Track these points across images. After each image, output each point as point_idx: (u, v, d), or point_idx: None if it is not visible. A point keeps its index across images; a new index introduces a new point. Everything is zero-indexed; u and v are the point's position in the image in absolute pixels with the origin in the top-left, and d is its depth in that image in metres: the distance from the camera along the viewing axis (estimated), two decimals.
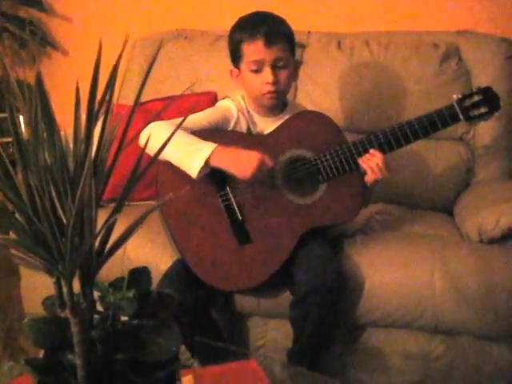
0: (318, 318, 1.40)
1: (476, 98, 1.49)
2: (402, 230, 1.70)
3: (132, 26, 2.27)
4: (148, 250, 1.60)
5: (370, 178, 1.47)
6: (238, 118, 1.57)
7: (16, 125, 0.60)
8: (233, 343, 1.56)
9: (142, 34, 2.22)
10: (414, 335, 1.52)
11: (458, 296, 1.45)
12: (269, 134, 1.53)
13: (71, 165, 0.60)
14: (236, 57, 1.53)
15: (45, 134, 0.60)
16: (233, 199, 1.48)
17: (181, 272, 1.47)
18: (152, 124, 1.41)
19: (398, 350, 1.54)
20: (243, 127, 1.57)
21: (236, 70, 1.55)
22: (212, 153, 1.40)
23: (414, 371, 1.53)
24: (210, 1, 2.35)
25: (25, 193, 0.59)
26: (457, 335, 1.50)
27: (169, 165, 1.46)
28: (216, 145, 1.42)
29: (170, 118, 1.53)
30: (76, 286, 0.63)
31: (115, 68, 0.61)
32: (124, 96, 2.12)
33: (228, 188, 1.49)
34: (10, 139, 0.61)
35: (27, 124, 0.59)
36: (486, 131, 1.88)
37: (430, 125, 1.48)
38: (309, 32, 2.07)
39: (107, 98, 0.61)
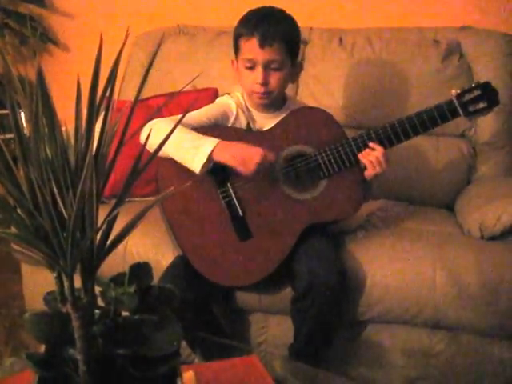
0: (318, 314, 1.40)
1: (475, 93, 1.49)
2: (403, 226, 1.70)
3: (133, 21, 2.27)
4: (149, 246, 1.61)
5: (369, 172, 1.47)
6: (238, 115, 1.57)
7: (17, 120, 0.60)
8: (234, 339, 1.56)
9: (142, 30, 2.22)
10: (414, 331, 1.52)
11: (459, 292, 1.45)
12: (269, 130, 1.53)
13: (72, 160, 0.60)
14: (235, 50, 1.53)
15: (46, 129, 0.60)
16: (233, 195, 1.48)
17: (182, 268, 1.47)
18: (152, 121, 1.41)
19: (399, 346, 1.54)
20: (243, 123, 1.57)
21: (236, 62, 1.55)
22: (214, 148, 1.40)
23: (414, 367, 1.54)
24: None
25: (26, 187, 0.59)
26: (457, 332, 1.50)
27: (169, 162, 1.46)
28: (218, 140, 1.42)
29: (171, 115, 1.53)
30: (77, 281, 0.64)
31: (116, 63, 0.61)
32: (125, 92, 2.12)
33: (229, 184, 1.49)
34: (11, 135, 0.61)
35: (28, 119, 0.59)
36: (487, 127, 1.88)
37: (430, 120, 1.48)
38: (311, 28, 2.06)
39: (108, 93, 0.61)
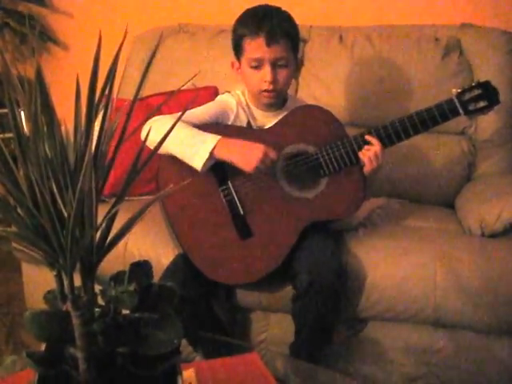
0: (319, 312, 1.40)
1: (475, 92, 1.49)
2: (404, 223, 1.70)
3: (133, 20, 2.26)
4: (150, 245, 1.61)
5: (367, 168, 1.47)
6: (238, 113, 1.57)
7: (16, 119, 0.60)
8: (234, 337, 1.57)
9: (143, 29, 2.22)
10: (415, 329, 1.52)
11: (460, 290, 1.45)
12: (270, 129, 1.53)
13: (71, 158, 0.60)
14: (237, 50, 1.53)
15: (45, 128, 0.60)
16: (234, 193, 1.48)
17: (182, 266, 1.47)
18: (153, 118, 1.41)
19: (400, 344, 1.54)
20: (243, 121, 1.57)
21: (237, 62, 1.55)
22: (216, 144, 1.40)
23: (414, 365, 1.54)
24: None
25: (25, 186, 0.59)
26: (458, 329, 1.50)
27: (169, 160, 1.46)
28: (220, 137, 1.42)
29: (171, 113, 1.53)
30: (77, 279, 0.64)
31: (115, 61, 0.61)
32: (125, 91, 2.12)
33: (229, 182, 1.49)
34: (11, 135, 0.61)
35: (27, 117, 0.59)
36: (487, 125, 1.88)
37: (430, 119, 1.48)
38: (310, 26, 2.06)
39: (107, 89, 0.61)
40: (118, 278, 0.72)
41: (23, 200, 0.59)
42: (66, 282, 0.63)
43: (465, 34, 1.94)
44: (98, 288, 0.68)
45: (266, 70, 1.47)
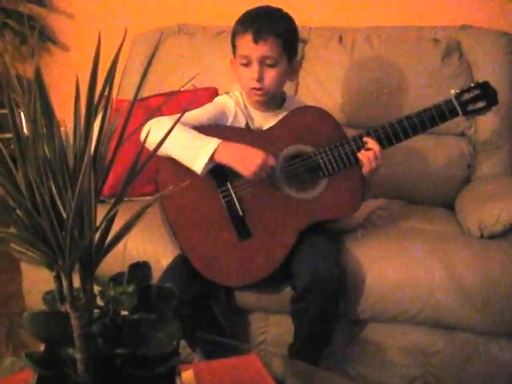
0: (318, 313, 1.40)
1: (474, 93, 1.50)
2: (403, 225, 1.70)
3: (133, 21, 2.27)
4: (149, 246, 1.61)
5: (366, 168, 1.48)
6: (236, 114, 1.57)
7: (15, 120, 0.60)
8: (233, 339, 1.56)
9: (142, 30, 2.22)
10: (414, 330, 1.52)
11: (458, 291, 1.45)
12: (268, 130, 1.53)
13: (71, 159, 0.60)
14: (233, 48, 1.54)
15: (44, 129, 0.60)
16: (233, 195, 1.48)
17: (181, 267, 1.47)
18: (153, 120, 1.41)
19: (398, 345, 1.54)
20: (241, 122, 1.57)
21: (234, 60, 1.55)
22: (217, 148, 1.41)
23: (413, 366, 1.54)
24: None
25: (24, 187, 0.59)
26: (457, 330, 1.50)
27: (168, 162, 1.46)
28: (220, 140, 1.42)
29: (171, 113, 1.53)
30: (76, 280, 0.64)
31: (114, 61, 0.61)
32: (125, 91, 2.13)
33: (228, 184, 1.49)
34: (10, 135, 0.61)
35: (27, 118, 0.59)
36: (487, 126, 1.88)
37: (429, 119, 1.49)
38: (310, 27, 2.06)
39: (106, 90, 0.61)
40: (117, 278, 0.72)
41: (22, 201, 0.59)
42: (64, 283, 0.63)
43: (464, 35, 1.94)
44: (96, 289, 0.68)
45: (253, 67, 1.47)
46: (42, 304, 0.71)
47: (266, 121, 1.56)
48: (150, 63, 0.67)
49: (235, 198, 1.48)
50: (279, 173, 1.50)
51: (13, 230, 0.60)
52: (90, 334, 0.65)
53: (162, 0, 2.41)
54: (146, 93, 2.03)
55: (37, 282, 1.79)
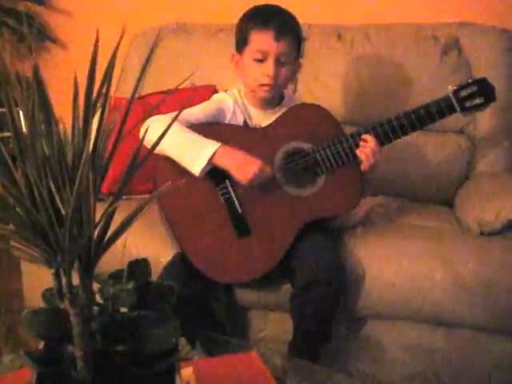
0: (317, 310, 1.40)
1: (471, 89, 1.50)
2: (402, 222, 1.70)
3: (131, 19, 2.26)
4: (148, 244, 1.61)
5: (365, 165, 1.48)
6: (235, 111, 1.57)
7: (14, 117, 0.60)
8: (233, 336, 1.57)
9: (140, 28, 2.22)
10: (414, 327, 1.53)
11: (458, 288, 1.45)
12: (267, 127, 1.53)
13: (69, 156, 0.60)
14: (242, 43, 1.52)
15: (43, 126, 0.60)
16: (232, 192, 1.49)
17: (181, 265, 1.47)
18: (152, 118, 1.41)
19: (399, 342, 1.54)
20: (239, 120, 1.57)
21: (238, 55, 1.55)
22: (215, 152, 1.41)
23: (414, 363, 1.54)
24: None
25: (23, 184, 0.59)
26: (457, 328, 1.50)
27: (166, 160, 1.46)
28: (219, 144, 1.42)
29: (169, 111, 1.53)
30: (76, 277, 0.64)
31: (112, 58, 0.61)
32: (123, 90, 2.12)
33: (227, 181, 1.49)
34: (9, 134, 0.61)
35: (25, 116, 0.59)
36: (486, 123, 1.88)
37: (427, 116, 1.49)
38: (309, 25, 2.06)
39: (105, 87, 0.61)
40: (116, 276, 0.72)
41: (21, 198, 0.59)
42: (64, 280, 0.63)
43: (463, 32, 1.94)
44: (96, 286, 0.68)
45: (269, 64, 1.47)
46: (42, 302, 0.71)
47: (264, 118, 1.56)
48: (148, 61, 0.68)
49: (234, 196, 1.48)
50: (278, 170, 1.50)
51: (12, 227, 0.60)
52: (89, 331, 0.65)
53: None
54: (144, 91, 2.03)
55: (36, 279, 1.78)
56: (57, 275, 0.64)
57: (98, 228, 0.63)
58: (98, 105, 0.63)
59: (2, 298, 2.10)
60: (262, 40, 1.47)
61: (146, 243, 1.61)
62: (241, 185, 1.49)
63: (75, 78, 0.62)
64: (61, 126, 0.62)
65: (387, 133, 1.49)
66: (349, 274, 1.49)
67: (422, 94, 1.86)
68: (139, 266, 0.74)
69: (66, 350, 0.67)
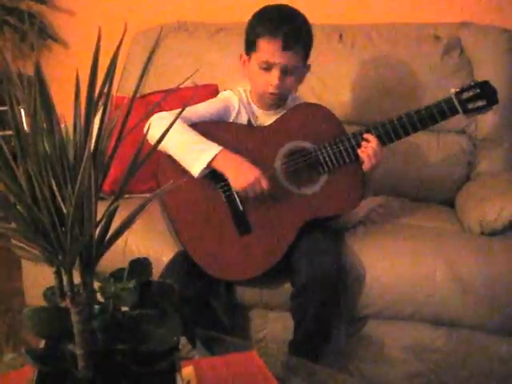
0: (318, 309, 1.40)
1: (474, 92, 1.50)
2: (403, 222, 1.70)
3: (132, 18, 2.26)
4: (149, 243, 1.61)
5: (366, 165, 1.48)
6: (239, 110, 1.57)
7: (16, 115, 0.60)
8: (233, 335, 1.56)
9: (142, 27, 2.22)
10: (415, 327, 1.52)
11: (459, 288, 1.45)
12: (269, 126, 1.54)
13: (71, 154, 0.60)
14: (250, 46, 1.52)
15: (44, 124, 0.60)
16: (234, 190, 1.48)
17: (182, 263, 1.47)
18: (157, 114, 1.42)
19: (399, 342, 1.54)
20: (244, 119, 1.57)
21: (246, 56, 1.54)
22: (215, 156, 1.41)
23: (414, 363, 1.54)
24: None
25: (25, 182, 0.59)
26: (458, 327, 1.50)
27: (169, 158, 1.47)
28: (220, 148, 1.42)
29: (171, 110, 1.53)
30: (77, 276, 0.64)
31: (114, 56, 0.61)
32: (125, 89, 2.13)
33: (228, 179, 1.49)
34: (11, 132, 0.61)
35: (27, 114, 0.59)
36: (487, 124, 1.88)
37: (429, 117, 1.49)
38: (310, 24, 2.05)
39: (107, 84, 0.61)
40: (117, 274, 0.72)
41: (22, 196, 0.59)
42: (65, 279, 0.63)
43: (465, 32, 1.93)
44: (97, 285, 0.68)
45: (274, 74, 1.47)
46: (43, 301, 0.71)
47: (268, 119, 1.57)
48: (149, 60, 0.67)
49: (235, 194, 1.48)
50: (279, 168, 1.50)
51: (13, 225, 0.60)
52: (90, 329, 0.65)
53: None
54: (145, 90, 2.03)
55: (37, 278, 1.79)
56: (58, 274, 0.64)
57: (100, 226, 0.63)
58: (100, 103, 0.62)
59: (3, 297, 2.10)
60: (270, 50, 1.46)
61: (147, 242, 1.61)
62: None
63: (77, 76, 0.62)
64: (62, 125, 0.62)
65: (389, 133, 1.49)
66: (349, 273, 1.49)
67: (423, 94, 1.86)
68: (140, 265, 0.74)
69: (67, 349, 0.67)
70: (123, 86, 2.16)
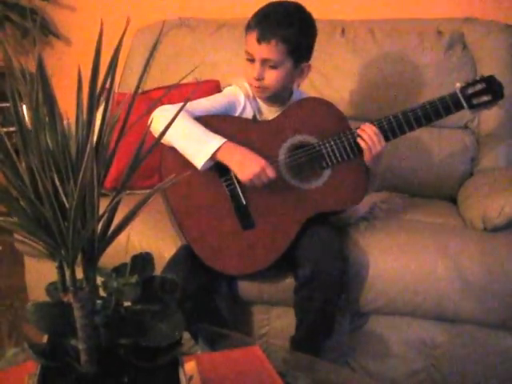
0: (320, 304, 1.40)
1: (479, 87, 1.49)
2: (406, 218, 1.70)
3: (134, 14, 2.25)
4: (152, 238, 1.61)
5: (367, 154, 1.47)
6: (245, 105, 1.56)
7: (18, 110, 0.60)
8: (236, 331, 1.57)
9: (144, 23, 2.21)
10: (416, 323, 1.53)
11: (461, 284, 1.45)
12: (273, 120, 1.53)
13: (73, 149, 0.60)
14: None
15: (47, 119, 0.60)
16: (237, 184, 1.48)
17: (184, 259, 1.47)
18: (161, 107, 1.41)
19: (401, 338, 1.54)
20: (249, 114, 1.56)
21: None
22: (219, 148, 1.41)
23: (416, 359, 1.54)
24: None
25: (27, 177, 0.59)
26: (460, 323, 1.50)
27: (173, 152, 1.46)
28: (224, 140, 1.42)
29: None
30: (79, 271, 0.64)
31: (116, 50, 0.61)
32: (126, 85, 2.12)
33: (232, 172, 1.49)
34: (14, 128, 0.61)
35: (29, 108, 0.59)
36: (490, 119, 1.87)
37: (433, 112, 1.49)
38: None
39: (109, 79, 0.61)
40: (119, 270, 0.72)
41: (25, 191, 0.59)
42: (67, 274, 0.63)
43: (468, 27, 1.93)
44: (99, 280, 0.68)
45: (255, 66, 1.47)
46: (45, 297, 0.71)
47: (273, 114, 1.56)
48: (151, 56, 0.67)
49: (239, 187, 1.48)
50: (283, 163, 1.50)
51: (16, 220, 0.60)
52: (92, 324, 0.65)
53: None
54: (147, 86, 2.03)
55: (40, 274, 1.79)
56: (60, 269, 0.64)
57: (102, 221, 0.63)
58: (102, 98, 0.62)
59: (6, 293, 2.10)
60: (249, 41, 1.47)
61: (149, 237, 1.61)
62: None
63: (79, 71, 0.62)
64: (65, 120, 0.62)
65: (393, 128, 1.49)
66: (352, 269, 1.49)
67: (426, 89, 1.85)
68: (143, 260, 0.74)
69: (70, 344, 0.67)
70: (124, 82, 2.15)
